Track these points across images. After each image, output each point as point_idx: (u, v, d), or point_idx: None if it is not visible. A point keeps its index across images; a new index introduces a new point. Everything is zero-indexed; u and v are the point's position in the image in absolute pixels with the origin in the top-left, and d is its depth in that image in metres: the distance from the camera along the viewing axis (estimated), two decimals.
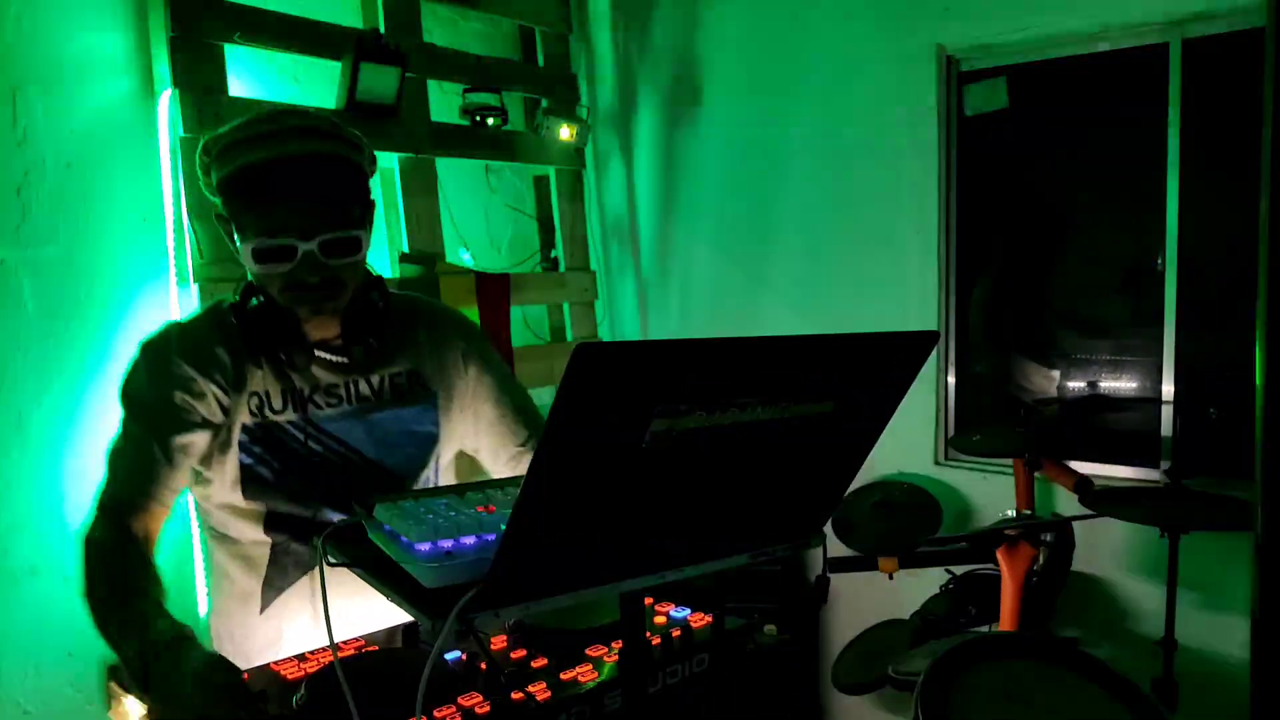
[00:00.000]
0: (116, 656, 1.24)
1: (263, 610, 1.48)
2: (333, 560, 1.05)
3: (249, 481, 1.42)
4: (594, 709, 1.06)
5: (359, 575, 1.00)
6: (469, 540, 0.93)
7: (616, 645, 1.16)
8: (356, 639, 1.26)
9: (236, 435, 1.40)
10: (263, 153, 1.30)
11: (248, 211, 1.32)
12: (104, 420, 2.34)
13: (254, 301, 1.39)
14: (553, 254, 3.65)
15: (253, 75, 2.66)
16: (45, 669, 2.24)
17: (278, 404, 1.42)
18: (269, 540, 1.46)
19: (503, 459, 1.63)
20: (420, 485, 1.54)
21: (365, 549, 1.03)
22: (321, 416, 1.44)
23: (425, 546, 0.91)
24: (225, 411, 1.39)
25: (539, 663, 1.13)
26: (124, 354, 2.35)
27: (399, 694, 1.03)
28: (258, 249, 1.31)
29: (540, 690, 1.05)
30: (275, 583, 1.48)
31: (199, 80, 2.39)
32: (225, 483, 1.42)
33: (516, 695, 1.04)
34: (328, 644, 1.08)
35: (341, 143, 1.37)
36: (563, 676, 1.08)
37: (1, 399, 2.18)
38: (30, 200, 2.22)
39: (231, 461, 1.41)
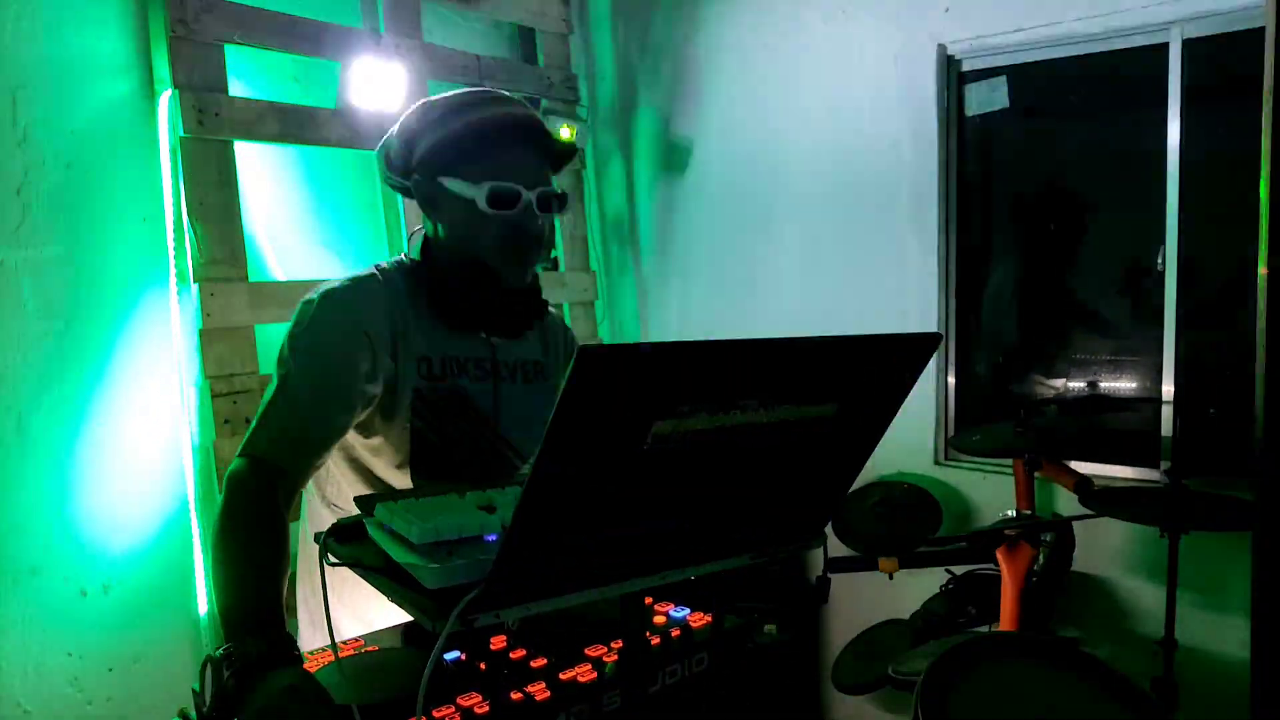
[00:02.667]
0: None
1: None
2: (333, 560, 1.05)
3: (419, 448, 1.43)
4: (594, 709, 1.06)
5: (360, 575, 1.00)
6: (471, 540, 0.93)
7: (616, 645, 1.16)
8: (356, 639, 1.26)
9: (407, 399, 1.41)
10: (495, 109, 1.43)
11: (479, 160, 1.40)
12: (105, 420, 2.34)
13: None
14: (553, 254, 3.65)
15: (253, 75, 2.66)
16: (45, 669, 2.24)
17: (439, 370, 1.45)
18: None
19: None
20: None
21: (367, 548, 1.03)
22: (471, 389, 1.48)
23: (426, 547, 0.91)
24: (395, 373, 1.40)
25: (538, 662, 1.13)
26: (125, 354, 2.38)
27: (399, 694, 1.03)
28: (494, 191, 1.39)
29: (540, 690, 1.05)
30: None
31: (199, 80, 2.39)
32: (394, 450, 1.43)
33: (516, 695, 1.04)
34: (328, 644, 1.08)
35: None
36: (562, 676, 1.08)
37: (1, 399, 2.18)
38: (30, 200, 2.22)
39: (401, 426, 1.42)
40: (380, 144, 1.52)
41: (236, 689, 1.02)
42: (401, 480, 1.45)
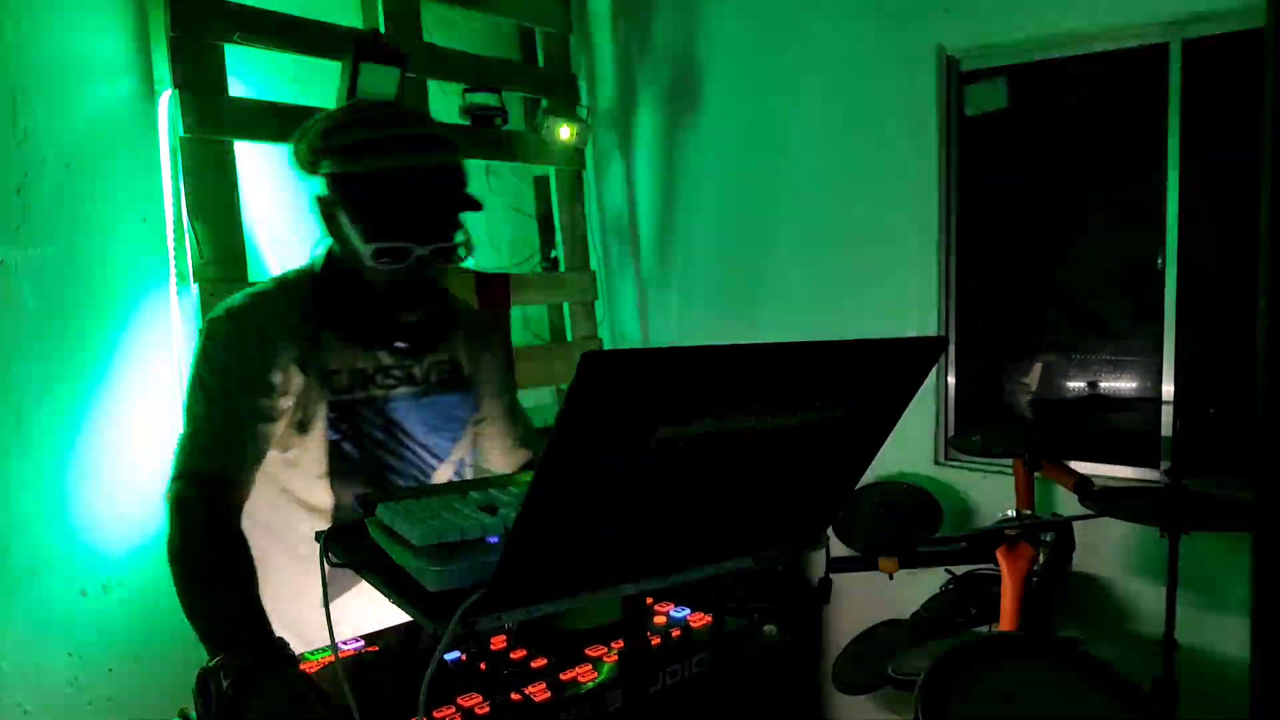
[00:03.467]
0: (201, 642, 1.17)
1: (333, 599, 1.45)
2: (335, 561, 1.05)
3: (337, 460, 1.43)
4: (594, 709, 1.06)
5: (361, 576, 1.00)
6: (472, 542, 0.93)
7: (616, 645, 1.16)
8: (357, 639, 1.26)
9: (322, 411, 1.41)
10: (395, 160, 1.35)
11: (370, 212, 1.36)
12: (105, 420, 2.34)
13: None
14: (553, 254, 3.65)
15: (253, 75, 2.66)
16: (45, 669, 2.24)
17: (348, 381, 1.45)
18: None
19: (497, 451, 1.73)
20: (458, 470, 1.61)
21: (367, 549, 1.03)
22: (382, 398, 1.48)
23: (428, 549, 0.91)
24: (305, 385, 1.40)
25: (539, 663, 1.13)
26: (125, 354, 2.38)
27: (400, 694, 1.03)
28: (379, 250, 1.35)
29: (540, 690, 1.05)
30: (339, 578, 1.47)
31: (199, 80, 2.39)
32: (312, 463, 1.42)
33: (516, 696, 1.04)
34: (328, 644, 1.08)
35: (454, 152, 1.43)
36: (562, 676, 1.08)
37: (1, 399, 2.18)
38: (30, 200, 2.22)
39: (317, 439, 1.42)
40: (293, 141, 1.46)
41: (236, 696, 1.02)
42: (320, 493, 1.45)
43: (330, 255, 1.47)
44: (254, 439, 1.36)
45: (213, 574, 1.24)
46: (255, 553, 1.44)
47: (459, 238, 1.43)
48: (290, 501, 1.46)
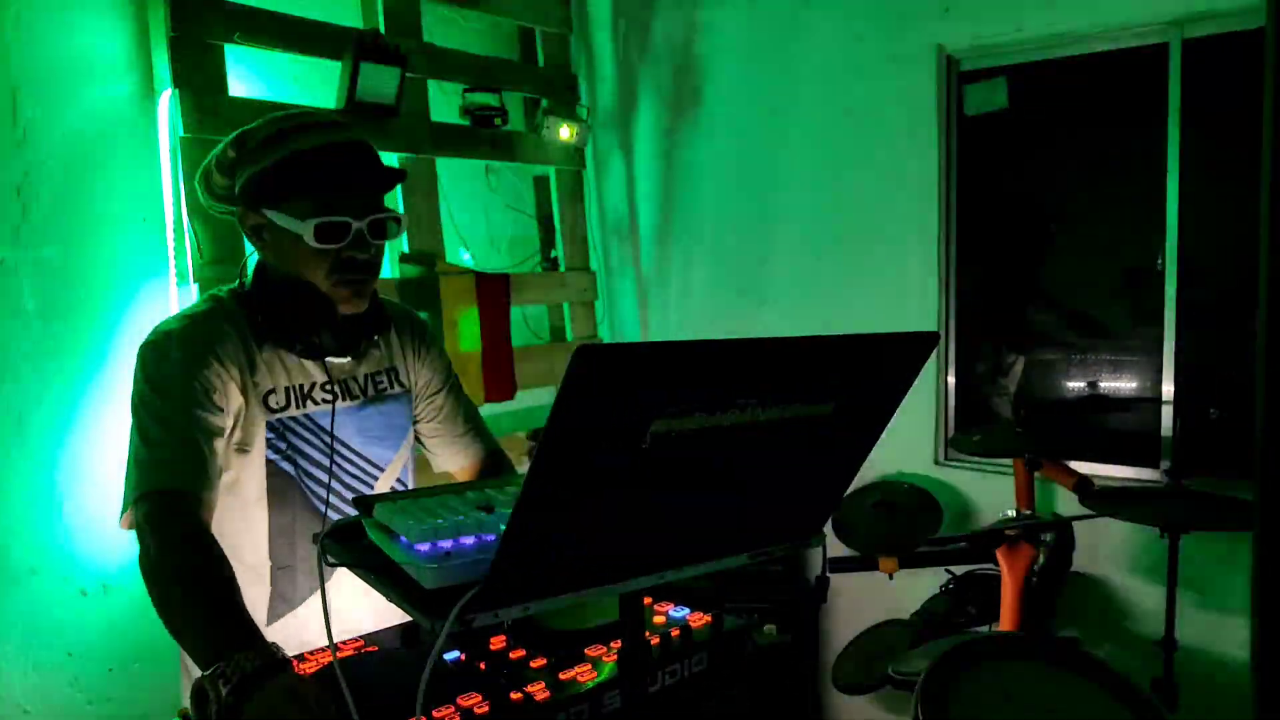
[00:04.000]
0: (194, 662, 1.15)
1: (270, 622, 1.45)
2: (332, 560, 1.05)
3: (274, 480, 1.42)
4: (593, 709, 1.06)
5: (359, 575, 1.00)
6: (468, 540, 0.93)
7: (616, 645, 1.16)
8: (356, 639, 1.26)
9: (260, 433, 1.41)
10: (317, 139, 1.38)
11: (303, 192, 1.37)
12: (104, 420, 2.34)
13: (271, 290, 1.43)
14: (553, 254, 3.65)
15: (253, 75, 2.66)
16: (45, 669, 2.24)
17: (281, 400, 1.44)
18: (269, 563, 1.45)
19: (447, 446, 1.72)
20: (399, 476, 1.60)
21: (365, 549, 1.03)
22: (319, 413, 1.47)
23: (425, 547, 0.91)
24: (244, 407, 1.39)
25: (538, 663, 1.13)
26: (125, 354, 2.37)
27: (399, 694, 1.03)
28: (320, 226, 1.35)
29: (539, 690, 1.05)
30: (285, 594, 1.47)
31: (199, 80, 2.39)
32: (249, 484, 1.42)
33: (516, 695, 1.04)
34: (327, 644, 1.08)
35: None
36: (562, 676, 1.08)
37: (1, 399, 2.18)
38: (30, 200, 2.22)
39: (257, 459, 1.41)
40: (198, 172, 1.50)
41: (235, 703, 1.02)
42: (255, 515, 1.43)
43: (260, 272, 1.47)
44: (212, 455, 1.34)
45: (198, 583, 1.22)
46: None
47: (391, 214, 1.44)
48: (223, 527, 1.40)
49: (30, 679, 2.22)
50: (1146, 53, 2.73)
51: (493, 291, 3.06)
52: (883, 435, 1.01)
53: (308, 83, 2.79)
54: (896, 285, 3.11)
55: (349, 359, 1.52)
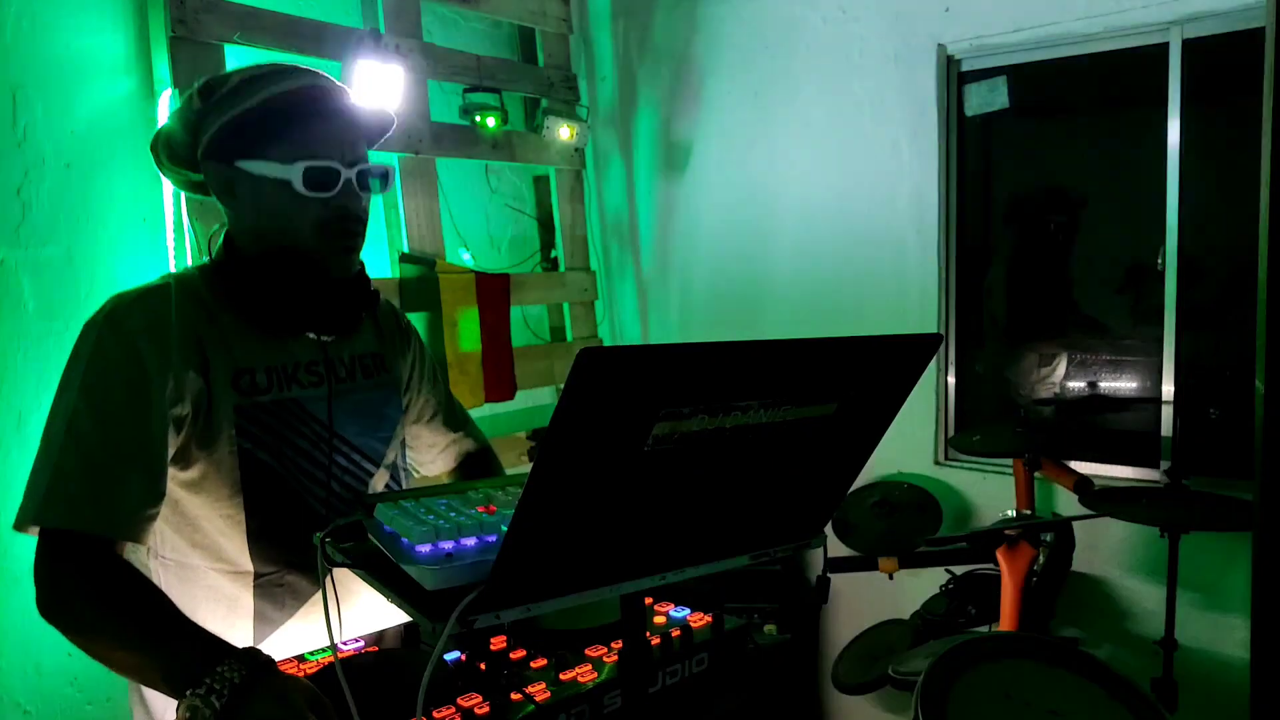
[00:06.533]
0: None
1: (257, 642, 1.31)
2: (332, 561, 1.05)
3: (250, 471, 1.26)
4: (594, 709, 1.06)
5: (359, 576, 1.00)
6: (470, 542, 0.93)
7: (616, 645, 1.16)
8: (356, 639, 1.26)
9: (228, 419, 1.24)
10: (293, 82, 1.25)
11: (285, 137, 1.24)
12: None
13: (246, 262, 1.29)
14: (553, 254, 3.65)
15: None
16: (45, 669, 2.24)
17: (262, 381, 1.28)
18: (251, 570, 1.30)
19: (436, 449, 1.65)
20: (391, 468, 1.47)
21: (366, 549, 1.03)
22: (305, 396, 1.32)
23: (426, 548, 0.91)
24: (205, 391, 1.23)
25: (539, 663, 1.13)
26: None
27: (399, 695, 1.03)
28: (309, 170, 1.23)
29: (540, 690, 1.05)
30: (270, 615, 1.32)
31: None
32: (220, 479, 1.25)
33: (516, 695, 1.04)
34: (328, 645, 1.08)
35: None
36: (562, 676, 1.08)
37: (2, 399, 2.18)
38: (30, 200, 2.22)
39: (225, 451, 1.24)
40: (155, 135, 1.34)
41: (231, 716, 0.99)
42: (231, 514, 1.27)
43: (229, 242, 1.32)
44: (135, 480, 1.16)
45: (133, 610, 1.10)
46: (170, 593, 1.21)
47: (378, 165, 1.33)
48: (195, 533, 1.28)
49: (30, 679, 2.21)
50: (1146, 53, 2.73)
51: (493, 291, 3.06)
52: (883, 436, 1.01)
53: None
54: (896, 285, 3.11)
55: (335, 337, 1.37)
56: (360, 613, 1.32)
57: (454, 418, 1.66)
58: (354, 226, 1.31)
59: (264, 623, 1.33)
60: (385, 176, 1.34)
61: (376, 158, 1.39)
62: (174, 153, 1.32)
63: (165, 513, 1.26)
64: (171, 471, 1.24)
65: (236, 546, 1.30)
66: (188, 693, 1.02)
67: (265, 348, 1.30)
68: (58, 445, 1.18)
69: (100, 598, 1.12)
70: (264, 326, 1.29)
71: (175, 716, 1.04)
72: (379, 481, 1.45)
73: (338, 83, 1.31)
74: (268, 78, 1.25)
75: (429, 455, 1.66)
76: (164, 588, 1.27)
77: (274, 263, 1.28)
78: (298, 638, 1.33)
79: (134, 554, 1.24)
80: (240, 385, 1.27)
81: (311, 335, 1.34)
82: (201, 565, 1.30)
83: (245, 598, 1.31)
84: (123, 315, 1.21)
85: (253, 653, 1.07)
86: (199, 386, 1.23)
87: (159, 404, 1.19)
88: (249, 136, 1.25)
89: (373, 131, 1.37)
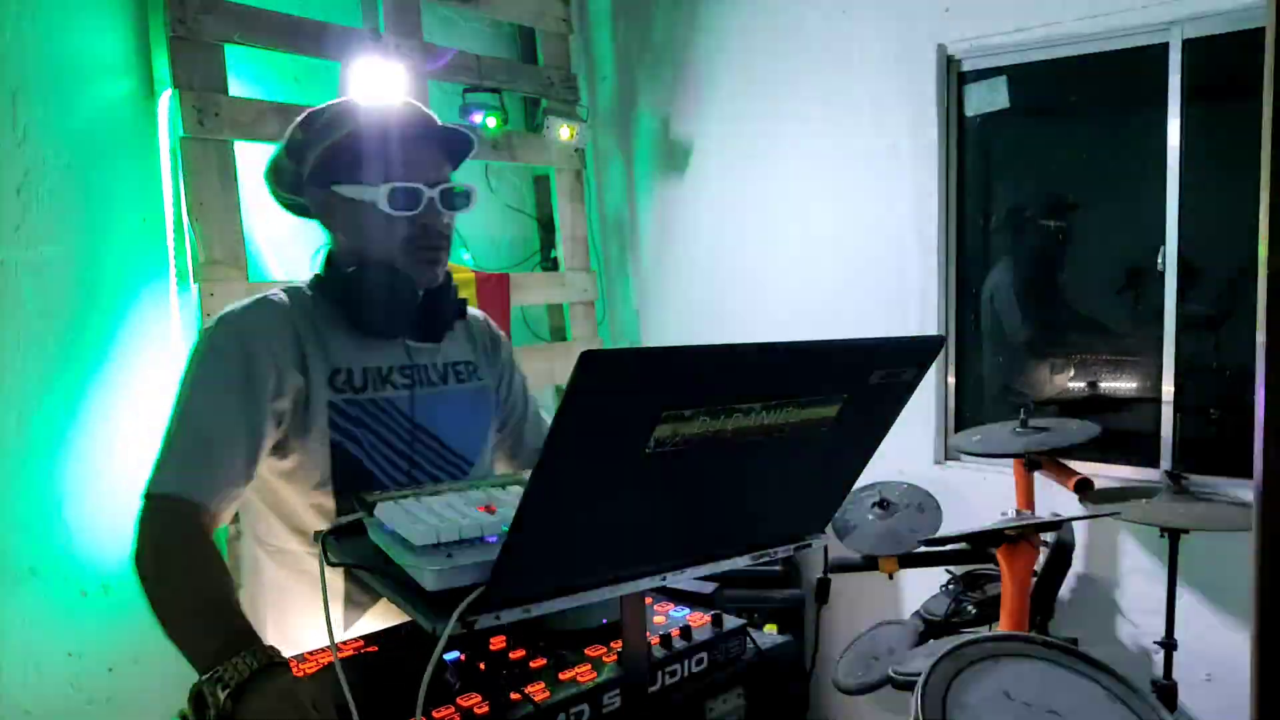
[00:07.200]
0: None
1: (346, 627, 1.40)
2: (333, 560, 1.05)
3: (340, 463, 1.37)
4: (593, 709, 1.05)
5: (360, 576, 1.00)
6: (471, 542, 0.93)
7: (616, 645, 1.16)
8: (356, 639, 1.26)
9: (322, 413, 1.37)
10: (380, 111, 1.39)
11: (374, 162, 1.36)
12: (105, 420, 2.34)
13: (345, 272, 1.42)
14: (553, 254, 3.65)
15: (253, 75, 2.66)
16: (45, 669, 2.24)
17: (359, 381, 1.40)
18: None
19: (500, 463, 1.68)
20: (482, 471, 1.55)
21: (367, 548, 1.03)
22: (396, 396, 1.43)
23: (426, 548, 0.91)
24: (305, 388, 1.36)
25: (538, 663, 1.13)
26: (125, 354, 2.38)
27: (399, 694, 1.03)
28: (394, 191, 1.36)
29: (539, 690, 1.05)
30: (356, 598, 1.41)
31: (199, 80, 2.39)
32: (312, 468, 1.37)
33: (515, 695, 1.04)
34: (328, 644, 1.08)
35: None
36: (562, 676, 1.08)
37: (1, 399, 2.18)
38: (30, 200, 2.22)
39: (319, 442, 1.36)
40: (265, 167, 1.48)
41: (233, 707, 1.02)
42: (321, 503, 1.39)
43: (330, 258, 1.47)
44: (236, 456, 1.29)
45: (189, 591, 1.19)
46: (272, 580, 1.44)
47: (463, 186, 1.45)
48: (290, 519, 1.40)
49: (30, 679, 2.22)
50: (1146, 53, 2.73)
51: (493, 291, 3.06)
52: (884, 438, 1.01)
53: (308, 83, 2.79)
54: (897, 285, 3.11)
55: (428, 344, 1.48)
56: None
57: (521, 446, 1.68)
58: (437, 242, 1.43)
59: (353, 606, 1.41)
60: (468, 195, 1.45)
61: None
62: (280, 179, 1.47)
63: (268, 502, 1.40)
64: (270, 462, 1.36)
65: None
66: (202, 676, 1.06)
67: (362, 351, 1.42)
68: (171, 427, 1.31)
69: (168, 561, 1.22)
70: (361, 331, 1.41)
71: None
72: None
73: (423, 109, 1.43)
74: (359, 108, 1.40)
75: (510, 465, 1.71)
76: (268, 573, 1.44)
77: (368, 275, 1.40)
78: (385, 620, 1.39)
79: (244, 543, 1.42)
80: (335, 383, 1.38)
81: (405, 341, 1.46)
82: (299, 550, 1.41)
83: (336, 581, 1.39)
84: (235, 319, 1.37)
85: (269, 651, 1.10)
86: (299, 384, 1.35)
87: (262, 396, 1.32)
88: (342, 162, 1.38)
89: (456, 152, 1.48)
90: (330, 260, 1.47)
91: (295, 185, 1.46)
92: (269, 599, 1.45)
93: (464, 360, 1.55)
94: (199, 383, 1.32)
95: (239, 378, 1.31)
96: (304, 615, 1.38)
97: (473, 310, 1.65)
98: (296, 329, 1.37)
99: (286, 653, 1.40)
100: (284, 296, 1.42)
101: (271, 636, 1.39)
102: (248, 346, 1.33)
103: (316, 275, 1.46)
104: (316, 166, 1.40)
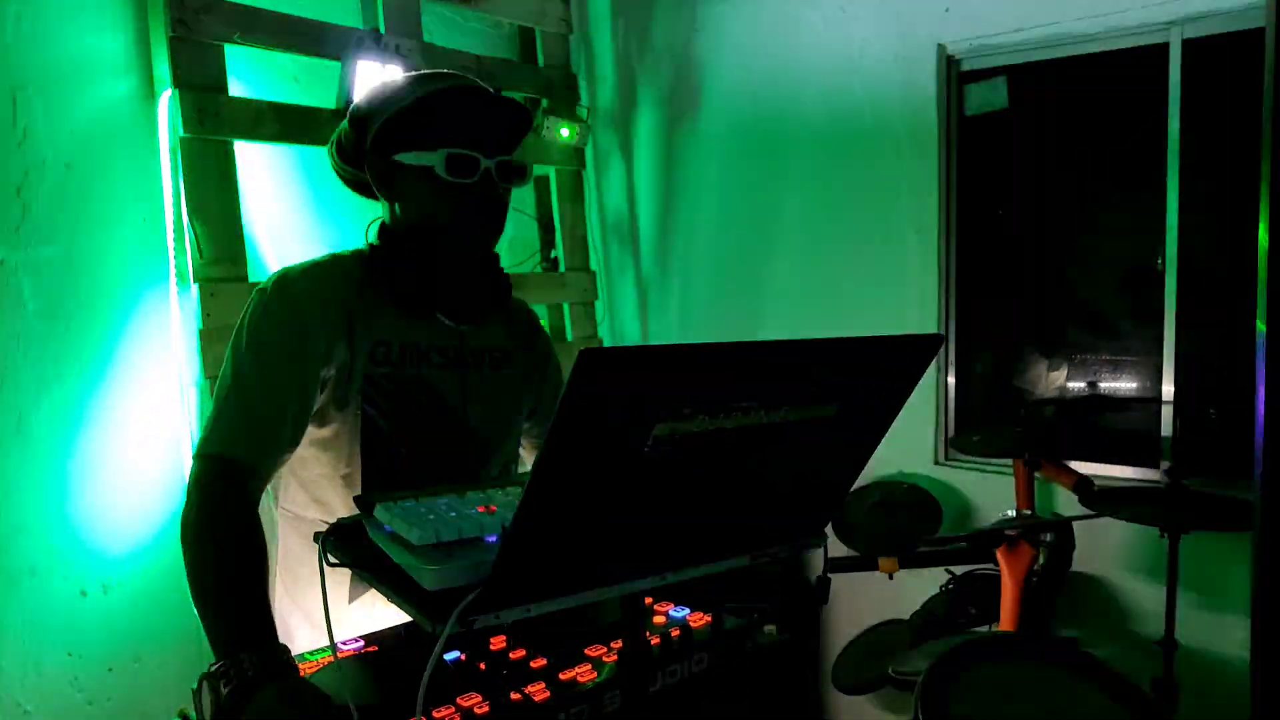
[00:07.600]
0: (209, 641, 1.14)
1: (351, 600, 1.40)
2: (332, 560, 1.05)
3: (368, 435, 1.39)
4: (593, 709, 1.06)
5: (360, 576, 1.00)
6: (471, 542, 0.93)
7: (616, 645, 1.16)
8: (356, 639, 1.26)
9: (358, 385, 1.38)
10: (442, 83, 1.39)
11: (434, 130, 1.36)
12: (105, 420, 2.34)
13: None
14: (553, 254, 3.64)
15: (253, 75, 2.66)
16: (45, 669, 2.24)
17: (395, 354, 1.41)
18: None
19: (526, 451, 1.70)
20: (508, 456, 1.57)
21: (366, 548, 1.03)
22: (431, 375, 1.44)
23: (426, 548, 0.91)
24: (348, 358, 1.37)
25: (538, 663, 1.13)
26: (125, 354, 2.38)
27: (399, 694, 1.03)
28: (451, 156, 1.35)
29: (539, 690, 1.05)
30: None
31: (199, 80, 2.39)
32: (344, 440, 1.38)
33: (516, 695, 1.04)
34: (327, 644, 1.08)
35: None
36: (562, 676, 1.08)
37: (1, 399, 2.18)
38: (30, 200, 2.22)
39: (353, 414, 1.38)
40: (331, 139, 1.49)
41: (234, 705, 1.02)
42: (349, 474, 1.41)
43: (383, 228, 1.47)
44: (286, 421, 1.31)
45: (223, 569, 1.20)
46: (286, 545, 1.48)
47: (519, 160, 1.45)
48: (319, 486, 1.42)
49: (30, 679, 2.22)
50: (1146, 53, 2.73)
51: None
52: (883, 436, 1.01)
53: (308, 83, 2.79)
54: (897, 285, 3.11)
55: (467, 326, 1.48)
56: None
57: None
58: (491, 211, 1.43)
59: (359, 581, 1.40)
60: (524, 170, 1.45)
61: None
62: (344, 151, 1.47)
63: (294, 468, 1.42)
64: (309, 429, 1.37)
65: (350, 506, 1.38)
66: (209, 668, 1.07)
67: (404, 326, 1.42)
68: (224, 390, 1.32)
69: (208, 531, 1.22)
70: (402, 304, 1.41)
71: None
72: (493, 467, 1.54)
73: (483, 85, 1.43)
74: (422, 79, 1.40)
75: (526, 455, 1.72)
76: (283, 537, 1.49)
77: (417, 247, 1.41)
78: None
79: (264, 502, 1.37)
80: (375, 356, 1.39)
81: (445, 321, 1.45)
82: (317, 519, 1.41)
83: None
84: (289, 283, 1.38)
85: (276, 649, 1.11)
86: (344, 353, 1.36)
87: (313, 361, 1.34)
88: (405, 130, 1.38)
89: (514, 129, 1.47)
90: (383, 232, 1.47)
91: (357, 158, 1.46)
92: (284, 564, 1.50)
93: (500, 346, 1.55)
94: (253, 345, 1.33)
95: (292, 342, 1.33)
96: (313, 585, 1.36)
97: (517, 298, 1.65)
98: (348, 299, 1.38)
99: (294, 618, 1.43)
100: (334, 264, 1.43)
101: (281, 600, 1.47)
102: (303, 312, 1.35)
103: (370, 244, 1.46)
104: (380, 134, 1.40)
